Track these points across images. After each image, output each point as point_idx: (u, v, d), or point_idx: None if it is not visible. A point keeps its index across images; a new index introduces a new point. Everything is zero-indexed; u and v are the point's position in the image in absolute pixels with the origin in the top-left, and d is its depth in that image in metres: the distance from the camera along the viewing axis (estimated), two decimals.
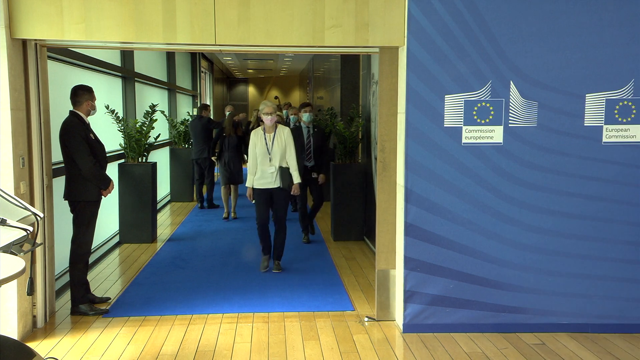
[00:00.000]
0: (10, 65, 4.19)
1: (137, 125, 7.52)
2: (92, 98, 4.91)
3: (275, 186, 6.07)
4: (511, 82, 4.42)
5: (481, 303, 4.56)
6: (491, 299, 4.56)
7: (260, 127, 6.19)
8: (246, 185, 6.15)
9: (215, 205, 10.15)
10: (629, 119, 4.45)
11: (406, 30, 4.39)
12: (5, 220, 3.04)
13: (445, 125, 4.45)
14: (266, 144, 6.02)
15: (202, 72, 18.06)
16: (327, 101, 14.19)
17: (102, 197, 4.96)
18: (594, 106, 4.44)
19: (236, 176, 8.94)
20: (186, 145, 11.13)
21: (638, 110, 4.44)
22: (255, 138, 6.10)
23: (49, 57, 5.14)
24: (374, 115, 7.08)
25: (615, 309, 4.58)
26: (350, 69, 10.11)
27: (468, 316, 4.57)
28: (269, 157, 6.01)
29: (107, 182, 4.92)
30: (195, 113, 14.28)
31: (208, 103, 11.89)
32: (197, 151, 9.87)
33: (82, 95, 4.86)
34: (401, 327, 4.60)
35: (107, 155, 5.22)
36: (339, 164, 7.86)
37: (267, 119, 6.03)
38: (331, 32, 4.45)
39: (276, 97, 24.72)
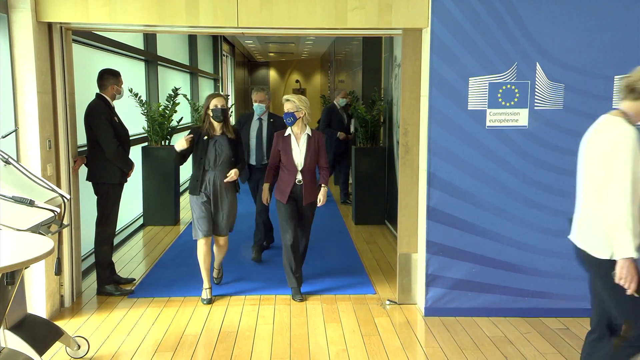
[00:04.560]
0: (37, 48, 4.24)
1: (160, 109, 7.57)
2: (118, 82, 4.95)
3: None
4: (537, 64, 4.34)
5: (504, 287, 4.53)
6: (515, 283, 4.53)
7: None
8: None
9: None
10: None
11: (430, 12, 4.33)
12: (33, 201, 3.10)
13: (469, 108, 4.40)
14: None
15: (224, 55, 18.07)
16: (348, 84, 14.09)
17: (126, 179, 5.02)
18: None
19: (226, 218, 4.83)
20: None
21: None
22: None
23: (74, 41, 5.19)
24: (396, 99, 7.02)
25: None
26: (372, 52, 10.01)
27: (491, 300, 4.54)
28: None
29: (130, 165, 4.97)
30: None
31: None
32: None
33: (107, 79, 4.90)
34: (423, 311, 4.60)
35: (131, 138, 5.27)
36: (360, 148, 7.83)
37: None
38: (354, 14, 4.40)
39: (297, 81, 24.66)
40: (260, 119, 5.95)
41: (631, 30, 4.29)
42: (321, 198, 4.93)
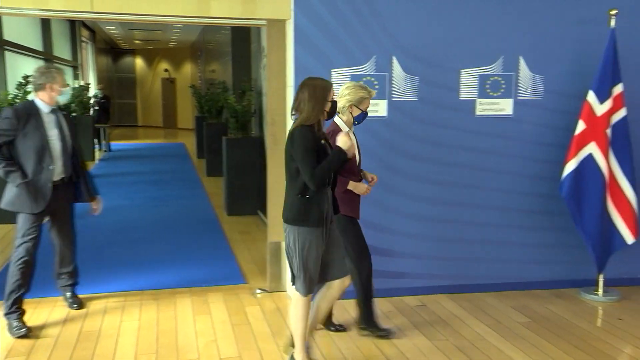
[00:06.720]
0: None
1: (9, 98, 6.97)
2: None
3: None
4: (394, 57, 4.57)
5: None
6: (378, 265, 4.74)
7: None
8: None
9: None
10: (499, 93, 4.78)
11: (292, 3, 4.39)
12: None
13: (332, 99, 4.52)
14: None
15: (83, 41, 17.00)
16: (219, 74, 13.91)
17: None
18: (468, 81, 4.72)
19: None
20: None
21: (507, 85, 4.78)
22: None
23: None
24: (265, 89, 7.05)
25: (489, 270, 4.95)
26: (242, 42, 9.95)
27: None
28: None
29: None
30: (77, 85, 13.39)
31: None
32: None
33: None
34: None
35: None
36: (231, 138, 7.78)
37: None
38: (217, 3, 4.35)
39: (166, 70, 23.83)
40: (55, 112, 4.09)
41: (476, 27, 4.66)
42: None
